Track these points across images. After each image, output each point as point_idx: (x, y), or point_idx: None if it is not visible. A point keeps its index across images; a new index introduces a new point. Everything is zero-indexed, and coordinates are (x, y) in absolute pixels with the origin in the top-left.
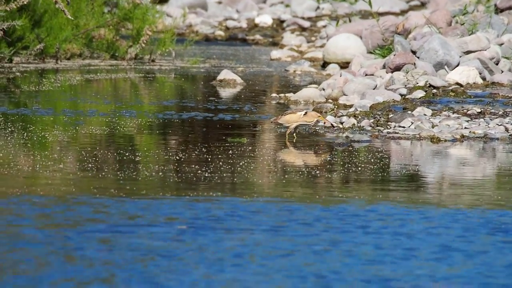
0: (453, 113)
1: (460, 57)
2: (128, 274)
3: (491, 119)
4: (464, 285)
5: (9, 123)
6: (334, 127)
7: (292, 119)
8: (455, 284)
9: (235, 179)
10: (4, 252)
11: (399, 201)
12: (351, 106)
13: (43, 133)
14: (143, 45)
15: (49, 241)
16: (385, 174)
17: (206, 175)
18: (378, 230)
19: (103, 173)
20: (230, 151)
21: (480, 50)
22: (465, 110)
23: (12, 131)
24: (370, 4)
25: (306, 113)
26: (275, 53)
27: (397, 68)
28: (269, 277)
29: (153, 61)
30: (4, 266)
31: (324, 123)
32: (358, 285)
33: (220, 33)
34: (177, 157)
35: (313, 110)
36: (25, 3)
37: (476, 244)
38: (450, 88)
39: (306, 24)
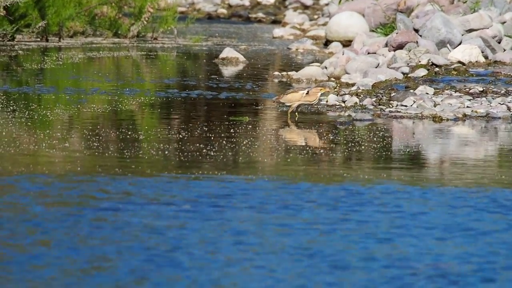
0: (455, 91)
1: (463, 35)
2: (132, 252)
3: (493, 98)
4: (476, 264)
5: (11, 102)
6: (329, 91)
7: (294, 98)
8: (468, 263)
9: (237, 158)
10: (8, 230)
11: (404, 179)
12: (353, 84)
13: (45, 112)
14: (145, 22)
15: (52, 219)
16: (388, 153)
17: (209, 153)
18: (385, 209)
19: (106, 152)
20: (232, 130)
21: (482, 29)
22: (467, 89)
23: (14, 109)
24: None
25: (308, 92)
26: (278, 31)
27: (400, 47)
28: (276, 255)
29: (155, 39)
30: (8, 244)
31: (324, 93)
32: (369, 264)
33: (222, 11)
34: (179, 136)
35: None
36: None
37: (485, 223)
38: (452, 66)
39: (309, 2)
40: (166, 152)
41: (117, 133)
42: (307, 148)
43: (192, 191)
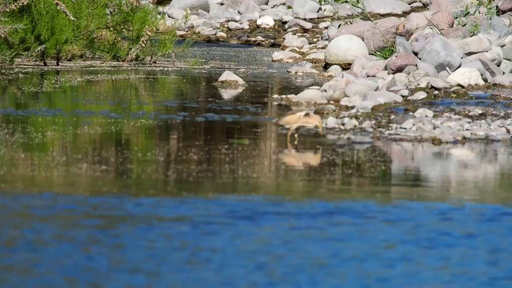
0: (454, 114)
1: (462, 58)
2: (128, 276)
3: (492, 121)
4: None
5: (11, 124)
6: (320, 132)
7: (292, 120)
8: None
9: (235, 179)
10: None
11: (405, 199)
12: (352, 107)
13: (47, 134)
14: (143, 45)
15: (54, 240)
16: (386, 175)
17: (208, 175)
18: (385, 229)
19: (110, 173)
20: (231, 152)
21: (481, 52)
22: (466, 112)
23: (13, 131)
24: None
25: (307, 113)
26: (277, 55)
27: (399, 70)
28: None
29: (154, 62)
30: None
31: (317, 126)
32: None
33: (222, 34)
34: (179, 158)
35: (315, 111)
36: (25, 3)
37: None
38: (452, 89)
39: (308, 25)
40: (167, 173)
41: (120, 154)
42: (305, 170)
43: (193, 212)
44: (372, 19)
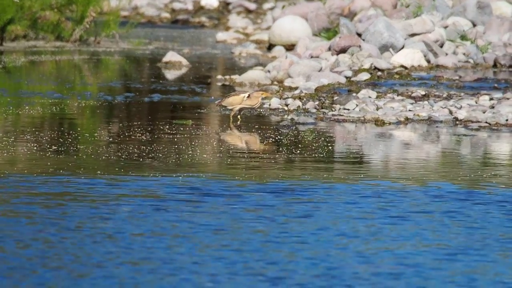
0: (397, 95)
1: (405, 39)
2: (75, 256)
3: (435, 102)
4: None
5: None
6: (273, 95)
7: (235, 101)
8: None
9: (178, 159)
10: None
11: (344, 179)
12: (296, 88)
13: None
14: (88, 26)
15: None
16: (331, 155)
17: (151, 155)
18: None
19: (51, 153)
20: (175, 133)
21: (425, 33)
22: (409, 93)
23: None
24: None
25: (249, 95)
26: (221, 36)
27: (343, 51)
28: (203, 252)
29: (98, 43)
30: None
31: (266, 97)
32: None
33: (165, 15)
34: (125, 138)
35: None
36: None
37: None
38: (395, 70)
39: (252, 6)
40: (108, 154)
41: (63, 135)
42: (246, 150)
43: (135, 191)
44: None
